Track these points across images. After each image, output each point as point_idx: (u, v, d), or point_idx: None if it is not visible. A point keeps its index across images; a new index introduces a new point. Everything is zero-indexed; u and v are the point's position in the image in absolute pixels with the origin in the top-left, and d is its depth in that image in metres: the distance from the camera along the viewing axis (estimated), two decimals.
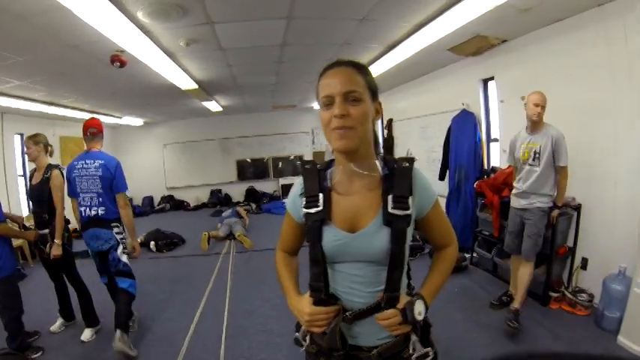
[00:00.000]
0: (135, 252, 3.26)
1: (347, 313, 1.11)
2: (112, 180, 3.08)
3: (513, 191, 3.38)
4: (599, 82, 3.24)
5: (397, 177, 1.08)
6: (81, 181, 3.07)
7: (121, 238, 3.17)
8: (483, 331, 3.14)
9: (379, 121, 7.60)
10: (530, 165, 3.17)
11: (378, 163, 1.12)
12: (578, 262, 3.59)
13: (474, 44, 4.28)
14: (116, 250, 3.12)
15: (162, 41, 3.65)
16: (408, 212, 1.06)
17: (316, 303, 1.13)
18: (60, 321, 3.49)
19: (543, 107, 3.05)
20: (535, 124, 3.13)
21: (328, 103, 1.04)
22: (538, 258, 3.32)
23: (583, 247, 3.55)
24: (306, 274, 1.17)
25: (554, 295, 3.50)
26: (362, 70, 1.09)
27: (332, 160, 1.18)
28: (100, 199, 3.06)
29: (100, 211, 3.07)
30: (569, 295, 3.41)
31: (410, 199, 1.07)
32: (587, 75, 3.36)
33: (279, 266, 1.33)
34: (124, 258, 3.16)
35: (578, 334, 3.00)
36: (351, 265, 1.11)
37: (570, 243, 3.63)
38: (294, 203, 1.21)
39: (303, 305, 1.14)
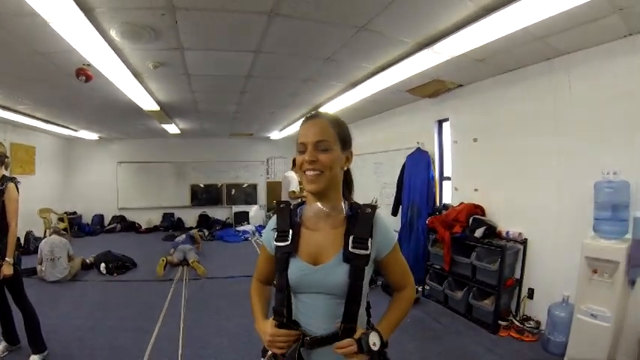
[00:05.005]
0: None
1: (306, 338, 1.20)
2: None
3: None
4: (545, 129, 3.60)
5: (360, 220, 1.22)
6: None
7: None
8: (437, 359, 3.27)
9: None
10: None
11: (343, 205, 1.26)
12: (525, 292, 3.85)
13: (431, 87, 4.59)
14: None
15: (131, 60, 3.65)
16: (366, 252, 1.18)
17: (279, 326, 1.22)
18: (3, 345, 3.16)
19: None
20: None
21: (302, 149, 1.21)
22: (487, 290, 3.59)
23: (529, 279, 3.83)
24: None
25: (503, 323, 3.72)
26: (335, 123, 1.25)
27: (305, 202, 1.33)
28: None
29: None
30: (517, 323, 3.65)
31: (369, 241, 1.19)
32: (533, 121, 3.72)
33: (252, 293, 1.44)
34: None
35: (527, 359, 3.19)
36: (312, 296, 1.22)
37: (517, 275, 3.89)
38: (268, 237, 1.33)
39: (266, 327, 1.24)
